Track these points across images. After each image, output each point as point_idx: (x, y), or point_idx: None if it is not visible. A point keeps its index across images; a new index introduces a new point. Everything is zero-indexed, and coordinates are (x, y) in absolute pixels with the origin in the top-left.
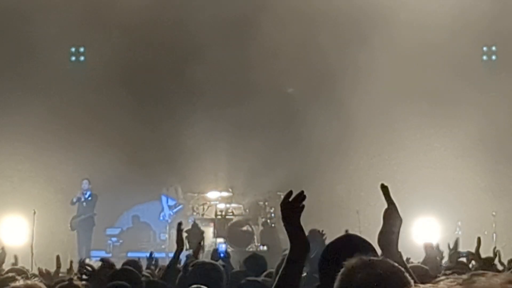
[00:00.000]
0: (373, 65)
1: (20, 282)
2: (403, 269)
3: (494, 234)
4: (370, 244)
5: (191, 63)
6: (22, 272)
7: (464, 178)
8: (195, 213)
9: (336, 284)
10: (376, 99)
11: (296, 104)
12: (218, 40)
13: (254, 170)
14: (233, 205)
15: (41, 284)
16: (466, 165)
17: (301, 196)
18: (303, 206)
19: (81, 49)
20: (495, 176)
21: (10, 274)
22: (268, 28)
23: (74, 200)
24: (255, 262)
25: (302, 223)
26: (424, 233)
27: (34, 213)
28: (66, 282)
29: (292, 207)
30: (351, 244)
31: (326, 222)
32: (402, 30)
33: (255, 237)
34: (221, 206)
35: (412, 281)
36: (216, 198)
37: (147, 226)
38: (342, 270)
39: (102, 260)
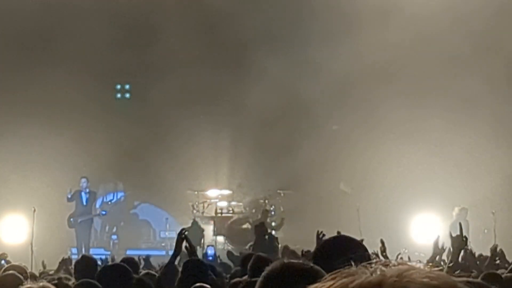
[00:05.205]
0: (374, 66)
1: (36, 284)
2: (320, 269)
3: (494, 233)
4: (361, 244)
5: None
6: (22, 270)
7: (463, 177)
8: (195, 211)
9: (257, 285)
10: (374, 98)
11: (297, 105)
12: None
13: (255, 168)
14: (233, 203)
15: (52, 286)
16: (465, 164)
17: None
18: None
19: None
20: (494, 175)
21: (10, 272)
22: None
23: (69, 196)
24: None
25: (302, 222)
26: (424, 230)
27: (34, 211)
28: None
29: None
30: (342, 243)
31: (326, 219)
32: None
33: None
34: (221, 204)
35: None
36: (216, 196)
37: (147, 224)
38: (263, 273)
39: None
